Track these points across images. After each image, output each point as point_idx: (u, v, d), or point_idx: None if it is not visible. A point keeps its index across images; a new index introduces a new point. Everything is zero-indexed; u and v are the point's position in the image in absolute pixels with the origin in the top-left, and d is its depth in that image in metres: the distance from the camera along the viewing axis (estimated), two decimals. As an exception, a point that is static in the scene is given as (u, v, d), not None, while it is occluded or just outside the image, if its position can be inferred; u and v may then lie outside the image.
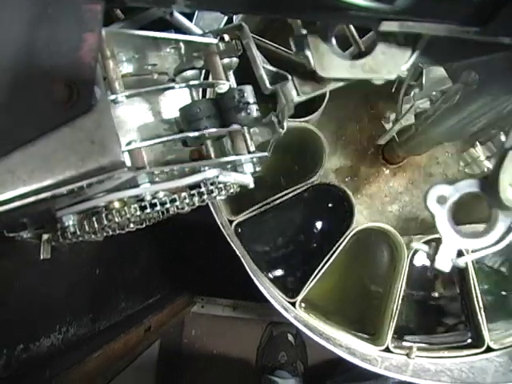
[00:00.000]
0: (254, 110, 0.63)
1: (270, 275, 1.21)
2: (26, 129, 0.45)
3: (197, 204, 0.64)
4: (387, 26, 0.42)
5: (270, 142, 0.65)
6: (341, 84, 0.53)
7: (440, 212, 0.59)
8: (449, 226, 0.59)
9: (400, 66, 0.52)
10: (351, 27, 0.55)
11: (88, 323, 1.13)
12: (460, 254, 0.59)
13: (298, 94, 0.58)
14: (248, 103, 0.62)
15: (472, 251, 0.60)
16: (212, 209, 0.97)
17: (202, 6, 0.52)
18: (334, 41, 0.54)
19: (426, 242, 0.69)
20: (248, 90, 0.63)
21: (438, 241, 0.59)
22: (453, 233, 0.59)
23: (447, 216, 0.59)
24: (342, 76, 0.52)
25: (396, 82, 0.89)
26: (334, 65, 0.52)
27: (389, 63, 0.51)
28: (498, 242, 0.58)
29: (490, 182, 0.54)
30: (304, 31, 0.52)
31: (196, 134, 0.58)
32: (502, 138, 0.71)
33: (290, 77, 0.72)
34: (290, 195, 1.15)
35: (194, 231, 1.58)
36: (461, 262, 0.59)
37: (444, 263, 0.59)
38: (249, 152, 0.65)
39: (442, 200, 0.59)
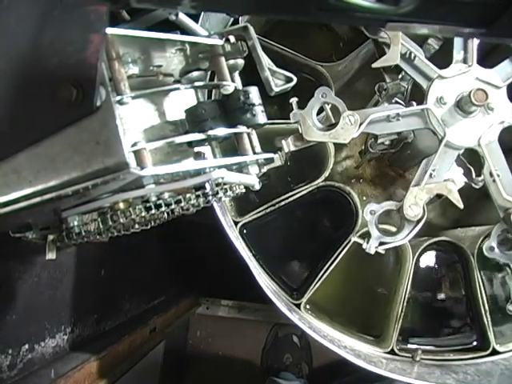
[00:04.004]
0: (260, 112, 0.63)
1: (275, 277, 1.21)
2: (32, 129, 0.45)
3: (202, 205, 0.64)
4: (392, 27, 0.41)
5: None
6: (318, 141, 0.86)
7: (371, 219, 0.90)
8: (375, 228, 0.90)
9: (351, 135, 0.85)
10: (328, 110, 0.87)
11: (93, 324, 1.13)
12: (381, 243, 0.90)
13: (290, 147, 0.88)
14: (253, 104, 0.62)
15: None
16: (217, 210, 0.97)
17: (207, 8, 0.52)
18: (314, 117, 0.86)
19: (361, 236, 0.93)
20: (253, 92, 0.63)
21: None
22: (377, 232, 0.90)
23: (375, 222, 0.90)
24: (317, 140, 0.86)
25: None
26: (313, 133, 0.85)
27: (344, 134, 0.85)
28: (402, 239, 0.89)
29: (400, 205, 0.90)
30: (298, 111, 0.85)
31: (201, 135, 0.58)
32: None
33: (295, 78, 0.72)
34: (296, 196, 1.15)
35: (199, 232, 1.58)
36: (380, 248, 0.90)
37: (371, 250, 0.89)
38: (254, 153, 0.65)
39: (372, 212, 0.90)
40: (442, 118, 0.93)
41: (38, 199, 0.47)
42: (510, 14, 0.36)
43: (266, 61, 0.70)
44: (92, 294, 1.14)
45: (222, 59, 0.64)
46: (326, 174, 1.16)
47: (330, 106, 0.87)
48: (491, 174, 0.93)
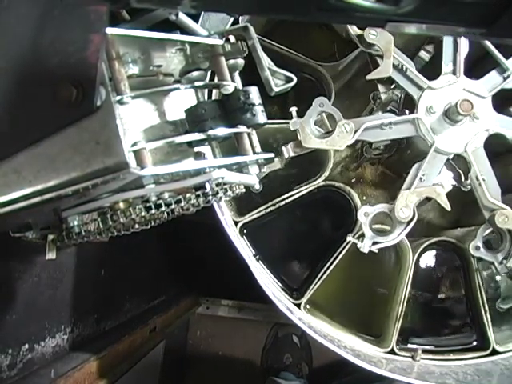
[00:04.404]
0: (260, 112, 0.63)
1: (275, 277, 1.21)
2: (32, 129, 0.45)
3: (202, 205, 0.64)
4: (392, 27, 0.41)
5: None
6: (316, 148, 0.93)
7: (365, 221, 0.95)
8: (369, 229, 0.95)
9: (346, 143, 0.91)
10: (325, 118, 0.93)
11: (93, 324, 1.13)
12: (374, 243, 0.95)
13: (290, 153, 0.95)
14: (253, 104, 0.62)
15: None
16: (217, 210, 0.97)
17: (207, 8, 0.52)
18: (312, 125, 0.92)
19: (358, 237, 0.99)
20: (253, 92, 0.63)
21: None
22: (371, 232, 0.94)
23: (369, 223, 0.95)
24: (315, 146, 0.92)
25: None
26: (311, 140, 0.91)
27: (340, 141, 0.91)
28: (394, 239, 0.94)
29: (391, 207, 0.95)
30: (298, 119, 0.91)
31: (201, 135, 0.58)
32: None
33: (295, 78, 0.72)
34: (296, 196, 1.15)
35: (199, 232, 1.58)
36: (373, 247, 0.94)
37: (365, 249, 0.94)
38: (254, 153, 0.65)
39: (366, 214, 0.95)
40: (431, 126, 0.99)
41: (37, 199, 0.47)
42: (510, 14, 0.36)
43: (266, 61, 0.70)
44: (92, 294, 1.14)
45: (222, 59, 0.64)
46: (326, 174, 1.16)
47: (327, 114, 0.92)
48: (477, 178, 0.99)
